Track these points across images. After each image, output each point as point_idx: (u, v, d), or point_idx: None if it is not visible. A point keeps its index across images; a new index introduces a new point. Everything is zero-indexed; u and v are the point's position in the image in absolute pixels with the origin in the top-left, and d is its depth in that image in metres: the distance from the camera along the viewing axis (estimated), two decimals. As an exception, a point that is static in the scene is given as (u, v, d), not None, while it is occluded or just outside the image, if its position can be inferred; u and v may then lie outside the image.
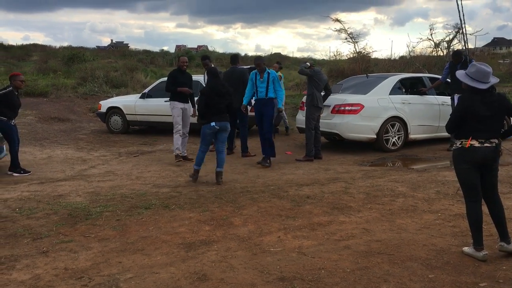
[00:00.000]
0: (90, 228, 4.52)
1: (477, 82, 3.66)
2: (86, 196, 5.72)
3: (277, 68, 10.80)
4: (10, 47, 39.60)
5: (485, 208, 3.80)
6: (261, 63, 7.67)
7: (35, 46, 43.29)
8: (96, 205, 5.26)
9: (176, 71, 8.15)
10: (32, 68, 21.85)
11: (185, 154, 8.10)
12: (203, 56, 9.28)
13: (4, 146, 7.32)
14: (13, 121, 7.13)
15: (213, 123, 6.33)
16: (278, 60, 12.93)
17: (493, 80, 3.68)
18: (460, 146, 3.73)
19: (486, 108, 3.62)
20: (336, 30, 18.88)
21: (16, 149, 7.10)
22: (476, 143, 3.64)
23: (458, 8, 5.59)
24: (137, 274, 3.47)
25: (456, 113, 3.81)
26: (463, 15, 5.75)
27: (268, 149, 7.58)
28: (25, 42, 47.75)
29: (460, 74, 3.81)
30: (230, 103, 6.58)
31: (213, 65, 8.36)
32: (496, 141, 3.66)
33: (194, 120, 8.33)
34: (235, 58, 9.03)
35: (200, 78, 9.93)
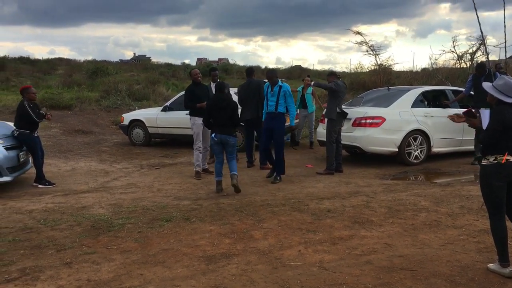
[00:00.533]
0: (112, 240, 4.58)
1: (503, 95, 3.58)
2: (109, 208, 5.80)
3: (309, 81, 10.92)
4: (37, 61, 40.64)
5: (509, 224, 3.72)
6: (273, 76, 7.51)
7: (60, 60, 44.33)
8: (119, 217, 5.33)
9: (192, 86, 8.14)
10: (57, 82, 22.38)
11: (206, 167, 8.14)
12: (211, 68, 9.97)
13: (30, 158, 7.49)
14: (36, 133, 7.29)
15: (213, 135, 6.69)
16: (308, 74, 13.02)
17: None
18: (495, 162, 3.58)
19: None
20: (357, 43, 18.91)
21: (40, 161, 7.25)
22: (511, 159, 3.55)
23: (478, 20, 5.56)
24: (158, 287, 3.49)
25: (495, 127, 3.58)
26: (480, 25, 5.70)
27: (277, 167, 7.42)
28: (51, 56, 48.90)
29: (486, 86, 3.72)
30: (232, 115, 6.65)
31: (220, 80, 8.70)
32: None
33: None
34: (250, 71, 9.10)
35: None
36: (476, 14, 5.53)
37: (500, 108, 3.64)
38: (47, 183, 7.20)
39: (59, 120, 13.48)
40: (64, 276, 3.72)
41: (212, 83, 8.73)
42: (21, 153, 7.11)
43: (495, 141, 3.61)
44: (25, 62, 39.38)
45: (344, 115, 8.04)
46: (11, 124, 7.34)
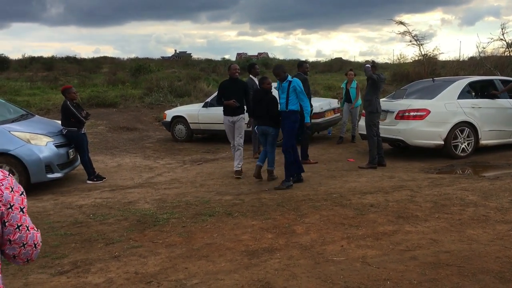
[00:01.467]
0: (157, 234, 4.70)
1: None
2: (154, 203, 5.95)
3: (352, 76, 10.79)
4: (82, 60, 42.10)
5: None
6: (280, 71, 6.89)
7: (105, 59, 45.74)
8: (163, 212, 5.46)
9: (227, 81, 7.80)
10: (102, 80, 23.07)
11: (239, 168, 7.51)
12: (251, 64, 9.97)
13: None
14: (83, 130, 7.54)
15: (256, 126, 7.23)
16: (351, 68, 12.33)
17: None
18: None
19: None
20: (399, 33, 18.46)
21: (85, 158, 7.51)
22: None
23: None
24: (203, 280, 3.56)
25: None
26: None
27: (292, 167, 6.76)
28: (95, 55, 50.61)
29: None
30: (270, 109, 6.86)
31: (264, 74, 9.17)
32: None
33: None
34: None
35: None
36: None
37: None
38: (95, 179, 7.47)
39: (104, 118, 13.90)
40: (113, 269, 3.86)
41: (253, 77, 8.86)
42: (70, 150, 7.40)
43: None
44: (71, 61, 40.88)
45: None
46: (59, 122, 7.63)
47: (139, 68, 25.31)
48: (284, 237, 4.46)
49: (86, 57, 46.38)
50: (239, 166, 7.51)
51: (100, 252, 4.25)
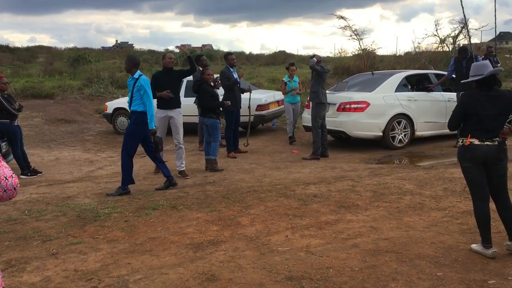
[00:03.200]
0: (98, 229, 4.55)
1: (473, 77, 3.68)
2: (94, 198, 5.76)
3: (295, 71, 10.14)
4: (16, 49, 39.90)
5: (493, 205, 3.79)
6: (127, 65, 6.08)
7: (40, 48, 43.55)
8: (104, 207, 5.29)
9: (161, 72, 7.06)
10: (38, 70, 21.99)
11: (182, 168, 6.97)
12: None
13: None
14: (16, 122, 7.14)
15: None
16: (292, 63, 11.02)
17: (492, 70, 3.65)
18: (461, 144, 3.75)
19: (490, 106, 3.60)
20: (340, 27, 18.90)
21: (18, 152, 7.10)
22: (476, 141, 3.63)
23: (461, 3, 5.61)
24: (146, 275, 3.49)
25: (455, 110, 3.85)
26: (463, 9, 5.78)
27: (127, 174, 6.04)
28: (31, 44, 48.07)
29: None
30: (202, 100, 7.32)
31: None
32: (498, 139, 3.61)
33: None
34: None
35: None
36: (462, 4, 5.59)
37: (466, 93, 3.81)
38: (29, 174, 7.11)
39: (41, 109, 13.27)
40: (51, 266, 3.70)
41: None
42: (3, 143, 6.99)
43: (457, 124, 3.82)
44: (4, 50, 38.61)
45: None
46: None
47: (78, 58, 24.36)
48: (229, 229, 4.46)
49: (20, 46, 43.95)
50: (183, 166, 6.95)
51: (36, 250, 4.05)
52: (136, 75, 5.97)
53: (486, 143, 3.61)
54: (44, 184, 6.60)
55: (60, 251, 4.02)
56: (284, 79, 10.23)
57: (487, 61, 3.74)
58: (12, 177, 1.89)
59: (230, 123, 8.41)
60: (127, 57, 6.69)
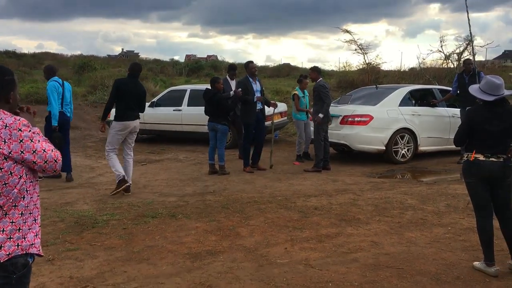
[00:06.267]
0: (96, 236, 4.51)
1: (486, 95, 3.62)
2: (93, 204, 5.72)
3: (307, 85, 9.33)
4: (23, 55, 40.05)
5: (496, 222, 3.73)
6: (45, 71, 7.36)
7: (47, 55, 43.76)
8: (103, 213, 5.25)
9: (124, 79, 6.66)
10: (44, 76, 22.04)
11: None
12: (231, 66, 9.92)
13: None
14: None
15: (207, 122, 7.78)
16: (305, 75, 9.52)
17: (505, 92, 3.62)
18: (466, 159, 3.71)
19: (496, 122, 3.57)
20: (346, 41, 18.91)
21: None
22: (481, 157, 3.59)
23: (468, 20, 5.62)
24: (142, 284, 3.44)
25: (462, 126, 3.84)
26: (470, 26, 5.77)
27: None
28: (38, 51, 48.31)
29: (472, 88, 3.76)
30: (217, 105, 7.53)
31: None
32: (504, 156, 3.57)
33: None
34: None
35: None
36: (467, 15, 5.58)
37: (472, 108, 3.81)
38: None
39: (44, 115, 13.26)
40: (46, 273, 3.65)
41: (230, 80, 8.60)
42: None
43: (463, 140, 3.80)
44: (10, 56, 38.78)
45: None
46: None
47: (83, 65, 24.42)
48: (228, 240, 4.40)
49: (27, 52, 44.18)
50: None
51: (32, 255, 4.00)
52: (51, 80, 7.08)
53: (491, 159, 3.57)
54: (44, 189, 6.56)
55: (57, 257, 3.97)
56: (296, 92, 9.21)
57: (501, 81, 3.65)
58: (52, 150, 2.07)
59: (246, 135, 7.97)
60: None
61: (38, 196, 2.17)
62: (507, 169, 3.60)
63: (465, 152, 3.77)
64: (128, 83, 6.38)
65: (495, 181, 3.62)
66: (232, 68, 9.49)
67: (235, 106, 8.08)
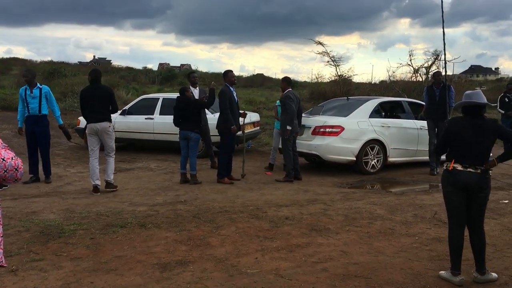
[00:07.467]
0: (62, 246, 4.40)
1: (463, 102, 3.77)
2: (60, 214, 5.58)
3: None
4: (-11, 61, 39.03)
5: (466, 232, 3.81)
6: (27, 77, 7.60)
7: (15, 60, 42.74)
8: (70, 223, 5.13)
9: (86, 87, 7.09)
10: (11, 82, 21.54)
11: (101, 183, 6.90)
12: (190, 72, 9.80)
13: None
14: None
15: (179, 131, 7.75)
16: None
17: (482, 100, 3.71)
18: (445, 168, 3.79)
19: (474, 133, 3.66)
20: (318, 53, 19.17)
21: None
22: (459, 167, 3.67)
23: (443, 36, 5.78)
24: (109, 295, 3.36)
25: (442, 135, 3.93)
26: (444, 41, 5.94)
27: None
28: (6, 56, 47.11)
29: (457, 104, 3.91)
30: (191, 114, 7.59)
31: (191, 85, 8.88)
32: (482, 167, 3.64)
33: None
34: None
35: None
36: (443, 30, 5.75)
37: (453, 119, 3.90)
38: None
39: (10, 122, 12.92)
40: (9, 284, 3.53)
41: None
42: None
43: (442, 149, 3.92)
44: (-24, 61, 37.72)
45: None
46: None
47: (53, 72, 23.99)
48: (198, 250, 4.37)
49: (-6, 58, 43.05)
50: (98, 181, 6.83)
51: (-6, 266, 3.87)
52: (40, 86, 7.54)
53: (468, 169, 3.64)
54: (9, 198, 6.37)
55: (20, 268, 3.85)
56: (276, 103, 9.26)
57: (480, 91, 3.80)
58: (12, 159, 2.02)
59: (227, 146, 7.81)
60: (26, 70, 8.00)
61: (0, 205, 2.12)
62: (484, 180, 3.65)
63: (446, 161, 3.82)
64: (90, 89, 6.94)
65: (472, 192, 3.68)
66: (193, 76, 9.28)
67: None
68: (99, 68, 7.99)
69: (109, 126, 6.86)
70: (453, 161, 3.71)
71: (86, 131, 7.00)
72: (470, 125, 3.70)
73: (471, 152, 3.66)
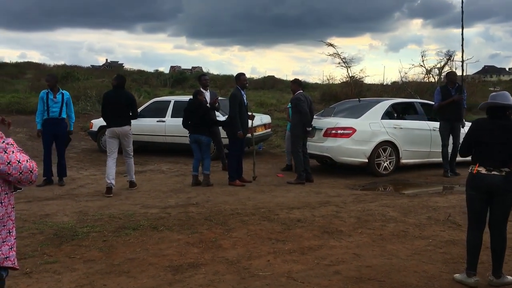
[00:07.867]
0: (75, 248, 4.43)
1: (487, 103, 3.71)
2: (73, 216, 5.63)
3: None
4: (5, 65, 39.51)
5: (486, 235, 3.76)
6: (50, 81, 7.75)
7: (29, 64, 43.28)
8: (83, 225, 5.17)
9: (109, 91, 7.44)
10: (25, 86, 21.80)
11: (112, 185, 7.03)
12: (201, 74, 9.94)
13: None
14: None
15: (188, 134, 7.81)
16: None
17: (506, 100, 3.64)
18: (470, 171, 3.73)
19: (499, 135, 3.59)
20: (329, 55, 19.10)
21: None
22: (483, 170, 3.61)
23: (462, 36, 5.72)
24: (122, 298, 3.38)
25: (466, 137, 3.84)
26: (463, 41, 5.88)
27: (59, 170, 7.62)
28: (20, 60, 47.79)
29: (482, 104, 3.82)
30: (202, 116, 7.62)
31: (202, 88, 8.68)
32: (507, 170, 3.56)
33: None
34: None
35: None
36: (462, 32, 5.72)
37: (476, 121, 3.84)
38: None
39: (25, 125, 13.08)
40: (23, 286, 3.57)
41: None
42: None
43: (466, 151, 3.82)
44: (-9, 65, 38.25)
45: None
46: None
47: (66, 75, 24.21)
48: (210, 252, 4.37)
49: (9, 62, 43.60)
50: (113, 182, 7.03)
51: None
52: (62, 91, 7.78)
53: (493, 172, 3.57)
54: (23, 200, 6.44)
55: (34, 270, 3.89)
56: (288, 105, 9.27)
57: (506, 92, 3.73)
58: (27, 161, 2.06)
59: (236, 149, 7.83)
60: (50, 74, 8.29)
61: (13, 208, 2.14)
62: (509, 183, 3.57)
63: (471, 164, 3.75)
64: (114, 94, 7.22)
65: (496, 195, 3.61)
66: (204, 78, 9.13)
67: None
68: (123, 75, 8.17)
69: (130, 130, 7.28)
70: (477, 164, 3.64)
71: (107, 134, 7.32)
72: (495, 126, 3.64)
73: (496, 155, 3.58)
